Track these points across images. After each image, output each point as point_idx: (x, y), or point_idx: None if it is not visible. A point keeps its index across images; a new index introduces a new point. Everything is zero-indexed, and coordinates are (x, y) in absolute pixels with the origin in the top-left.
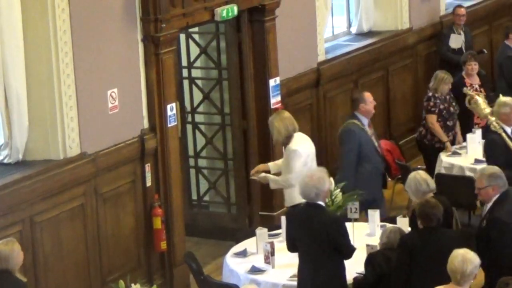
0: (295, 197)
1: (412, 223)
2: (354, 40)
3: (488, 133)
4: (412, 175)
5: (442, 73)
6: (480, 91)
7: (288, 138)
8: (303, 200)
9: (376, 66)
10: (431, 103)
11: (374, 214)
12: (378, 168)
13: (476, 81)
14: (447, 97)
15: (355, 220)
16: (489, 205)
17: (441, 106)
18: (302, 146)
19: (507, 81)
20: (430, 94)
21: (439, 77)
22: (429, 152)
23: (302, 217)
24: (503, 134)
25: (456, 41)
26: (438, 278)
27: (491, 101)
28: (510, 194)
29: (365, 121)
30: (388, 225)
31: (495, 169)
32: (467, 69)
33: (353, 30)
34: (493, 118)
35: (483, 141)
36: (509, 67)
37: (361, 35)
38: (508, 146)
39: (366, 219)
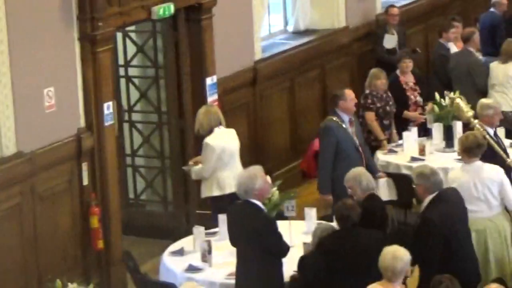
0: (206, 189)
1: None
2: (290, 39)
3: None
4: (356, 170)
5: (376, 70)
6: (415, 90)
7: (209, 132)
8: (215, 194)
9: (312, 64)
10: (369, 100)
11: (311, 212)
12: (356, 165)
13: (411, 79)
14: (384, 95)
15: (292, 218)
16: (424, 204)
17: (378, 105)
18: (218, 141)
19: (441, 78)
20: (367, 91)
21: (372, 73)
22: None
23: (235, 215)
24: (487, 136)
25: (390, 41)
26: (361, 278)
27: (426, 99)
28: (446, 195)
29: (346, 118)
30: (322, 223)
31: (427, 168)
32: (401, 67)
33: (290, 28)
34: (475, 121)
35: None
36: (443, 65)
37: (298, 33)
38: (492, 147)
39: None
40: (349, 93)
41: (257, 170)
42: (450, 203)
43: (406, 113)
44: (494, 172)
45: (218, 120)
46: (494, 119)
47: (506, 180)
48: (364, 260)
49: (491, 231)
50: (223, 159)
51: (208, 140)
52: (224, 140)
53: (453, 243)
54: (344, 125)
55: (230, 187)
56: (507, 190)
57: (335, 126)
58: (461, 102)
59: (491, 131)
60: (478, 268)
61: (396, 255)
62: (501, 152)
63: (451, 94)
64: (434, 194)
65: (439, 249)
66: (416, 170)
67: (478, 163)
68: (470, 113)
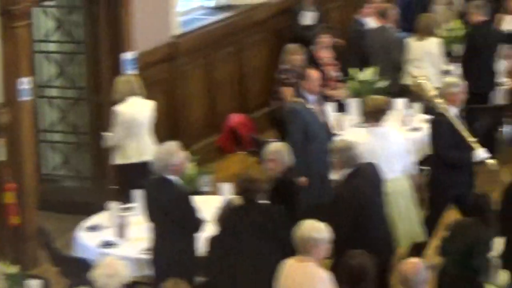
0: (114, 157)
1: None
2: (210, 14)
3: (434, 115)
4: (277, 145)
5: (292, 45)
6: (332, 65)
7: (122, 101)
8: (119, 162)
9: (230, 40)
10: (286, 76)
11: (226, 187)
12: (324, 146)
13: (327, 54)
14: (301, 71)
15: (207, 193)
16: (340, 178)
17: (294, 80)
18: (127, 110)
19: (358, 55)
20: (284, 67)
21: (288, 49)
22: (282, 125)
23: (151, 191)
24: (449, 116)
25: (308, 18)
26: (262, 254)
27: (344, 76)
28: (362, 171)
29: (311, 98)
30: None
31: (344, 142)
32: (318, 43)
33: (211, 3)
34: (439, 100)
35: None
36: (360, 41)
37: (217, 9)
38: (454, 127)
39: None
40: (312, 73)
41: (174, 145)
42: (365, 178)
43: (326, 91)
44: (399, 135)
45: (133, 90)
46: (458, 97)
47: (409, 144)
48: (259, 235)
49: (395, 193)
50: (131, 129)
51: (117, 107)
52: (135, 110)
53: (366, 218)
54: (309, 106)
55: (135, 157)
56: (410, 154)
57: (301, 108)
58: (425, 81)
59: (454, 111)
60: (391, 243)
61: (314, 227)
62: (465, 132)
63: (414, 73)
64: (350, 169)
65: (353, 221)
66: (333, 144)
67: (384, 127)
68: (433, 92)
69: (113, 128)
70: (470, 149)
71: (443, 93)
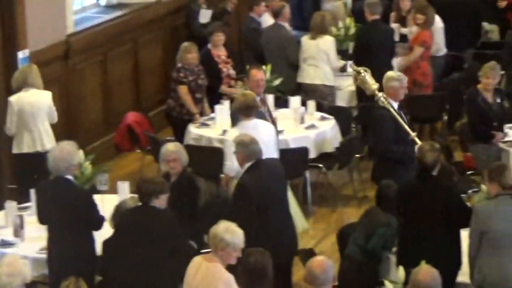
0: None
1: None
2: (103, 12)
3: (376, 109)
4: (177, 144)
5: (186, 43)
6: (227, 62)
7: (18, 90)
8: (15, 151)
9: (125, 38)
10: (181, 74)
11: (123, 186)
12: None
13: (223, 52)
14: (195, 69)
15: (104, 192)
16: (242, 171)
17: (190, 78)
18: (19, 100)
19: (253, 52)
20: (179, 65)
21: (183, 47)
22: (178, 124)
23: (49, 192)
24: (391, 109)
25: (205, 15)
26: (151, 258)
27: (239, 72)
28: (264, 164)
29: (256, 98)
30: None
31: (247, 137)
32: (213, 41)
33: (103, 2)
34: (380, 94)
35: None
36: (255, 39)
37: (111, 7)
38: (396, 121)
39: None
40: (255, 73)
41: (73, 145)
42: (267, 172)
43: (224, 89)
44: (268, 129)
45: (25, 80)
46: (399, 91)
47: (276, 137)
48: (149, 239)
49: None
50: (23, 119)
51: (11, 97)
52: (27, 100)
53: (268, 212)
54: None
55: (29, 147)
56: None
57: None
58: (366, 75)
59: (395, 105)
60: (295, 239)
61: (229, 229)
62: (405, 126)
63: (355, 67)
64: (252, 162)
65: (254, 215)
66: (237, 138)
67: (254, 120)
68: (375, 86)
69: (8, 118)
70: (412, 143)
71: (385, 87)
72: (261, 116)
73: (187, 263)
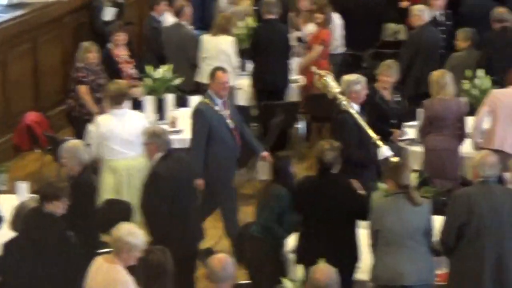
0: None
1: None
2: (3, 12)
3: (338, 113)
4: (72, 143)
5: (86, 43)
6: (129, 62)
7: None
8: None
9: (25, 38)
10: (81, 74)
11: (22, 187)
12: (230, 149)
13: (124, 52)
14: (96, 68)
15: (3, 192)
16: (153, 161)
17: (91, 78)
18: None
19: (155, 52)
20: (80, 65)
21: (83, 46)
22: (78, 124)
23: None
24: (354, 113)
25: (109, 13)
26: (49, 264)
27: (140, 73)
28: (175, 154)
29: (218, 101)
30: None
31: (158, 128)
32: (115, 40)
33: (4, 1)
34: (342, 97)
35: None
36: (156, 39)
37: (11, 6)
38: (358, 125)
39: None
40: (220, 75)
41: None
42: (178, 162)
43: None
44: (137, 117)
45: None
46: (361, 94)
47: (145, 123)
48: (44, 243)
49: (134, 171)
50: None
51: None
52: None
53: (179, 202)
54: (217, 108)
55: None
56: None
57: (206, 109)
58: (328, 78)
59: (357, 108)
60: (201, 230)
61: (131, 231)
62: (367, 129)
63: (317, 70)
64: (164, 152)
65: (166, 203)
66: (148, 129)
67: (124, 109)
68: (337, 89)
69: None
70: (374, 146)
71: (346, 90)
72: (221, 120)
73: (80, 266)
